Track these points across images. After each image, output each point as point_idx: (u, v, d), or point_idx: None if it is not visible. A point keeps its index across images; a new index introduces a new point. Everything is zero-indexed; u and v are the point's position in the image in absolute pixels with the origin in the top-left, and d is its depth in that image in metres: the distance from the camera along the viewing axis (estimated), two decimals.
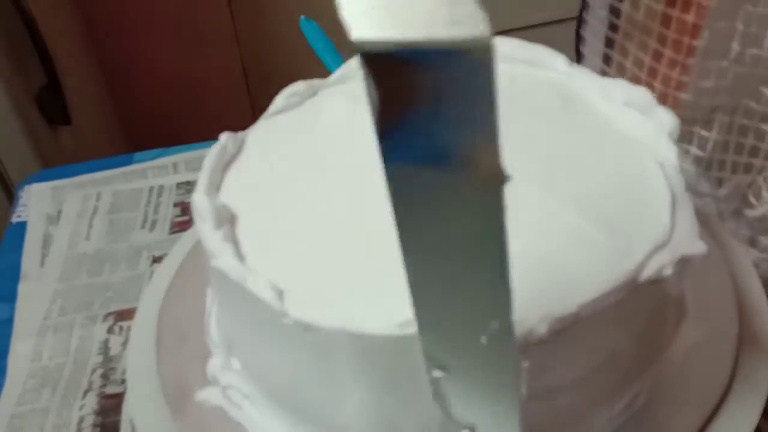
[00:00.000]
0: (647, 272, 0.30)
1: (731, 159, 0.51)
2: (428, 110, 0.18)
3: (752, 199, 0.50)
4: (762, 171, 0.50)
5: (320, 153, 0.38)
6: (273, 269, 0.32)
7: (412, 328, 0.25)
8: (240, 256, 0.33)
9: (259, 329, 0.33)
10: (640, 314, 0.31)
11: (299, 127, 0.40)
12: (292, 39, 0.60)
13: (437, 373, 0.25)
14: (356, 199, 0.35)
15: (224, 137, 0.39)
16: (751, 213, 0.49)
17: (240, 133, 0.40)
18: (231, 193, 0.37)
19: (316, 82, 0.43)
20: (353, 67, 0.43)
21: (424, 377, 0.26)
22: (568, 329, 0.28)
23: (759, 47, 0.46)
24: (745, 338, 0.36)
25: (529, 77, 0.41)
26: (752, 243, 0.50)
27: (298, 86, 0.42)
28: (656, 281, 0.30)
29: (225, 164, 0.39)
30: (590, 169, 0.35)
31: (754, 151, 0.50)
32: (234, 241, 0.34)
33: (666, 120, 0.36)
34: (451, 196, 0.20)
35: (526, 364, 0.28)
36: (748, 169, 0.51)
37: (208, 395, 0.36)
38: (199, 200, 0.35)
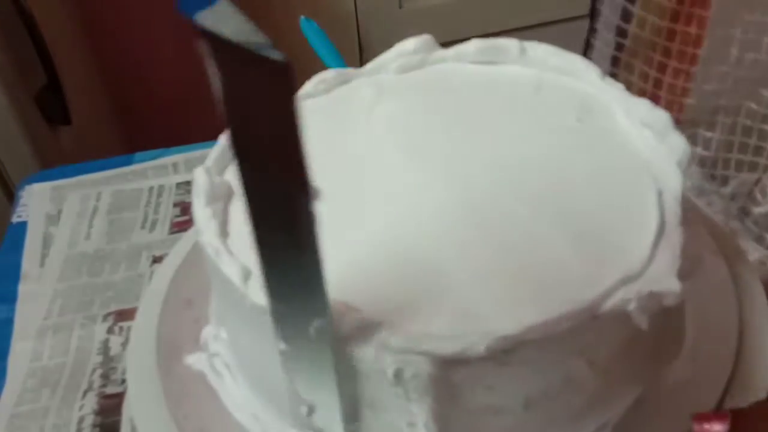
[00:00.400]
0: (609, 304, 0.28)
1: (735, 158, 0.53)
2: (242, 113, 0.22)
3: (759, 196, 0.51)
4: (767, 170, 0.50)
5: (336, 140, 0.39)
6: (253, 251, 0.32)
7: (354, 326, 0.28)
8: (224, 233, 0.34)
9: (230, 306, 0.34)
10: (603, 345, 0.30)
11: (322, 113, 0.41)
12: (291, 39, 0.60)
13: (282, 346, 0.28)
14: (359, 191, 0.35)
15: None
16: (758, 210, 0.50)
17: None
18: None
19: (349, 70, 0.43)
20: (386, 58, 0.43)
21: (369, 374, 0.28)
22: (514, 350, 0.27)
23: (757, 51, 0.48)
24: (735, 383, 0.35)
25: (555, 85, 0.40)
26: (759, 240, 0.51)
27: (328, 74, 0.43)
28: (619, 314, 0.28)
29: None
30: (585, 188, 0.34)
31: (758, 151, 0.51)
32: (223, 219, 0.35)
33: (678, 146, 0.35)
34: (271, 203, 0.24)
35: (459, 378, 0.28)
36: (753, 167, 0.52)
37: (194, 360, 0.37)
38: (197, 175, 0.36)
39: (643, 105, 0.37)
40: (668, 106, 0.53)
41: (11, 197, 0.78)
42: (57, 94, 0.99)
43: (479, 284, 0.30)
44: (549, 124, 0.38)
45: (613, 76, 0.57)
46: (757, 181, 0.51)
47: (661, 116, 0.36)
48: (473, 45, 0.43)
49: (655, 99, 0.52)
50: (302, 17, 0.56)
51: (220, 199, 0.36)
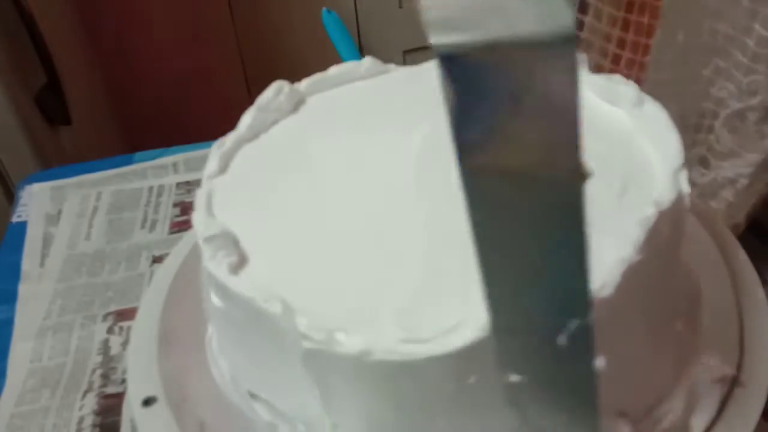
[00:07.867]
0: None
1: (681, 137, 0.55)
2: (506, 111, 0.18)
3: (702, 170, 0.54)
4: (705, 143, 0.54)
5: (365, 131, 0.39)
6: (247, 238, 0.33)
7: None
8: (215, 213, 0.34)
9: (215, 292, 0.34)
10: None
11: (360, 98, 0.42)
12: (291, 37, 0.60)
13: (514, 378, 0.24)
14: (374, 192, 0.35)
15: (276, 85, 0.41)
16: (701, 180, 0.53)
17: (297, 84, 0.42)
18: (266, 145, 0.39)
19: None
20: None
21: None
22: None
23: (698, 36, 0.50)
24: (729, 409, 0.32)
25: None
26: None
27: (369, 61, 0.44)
28: None
29: (273, 120, 0.41)
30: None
31: (698, 127, 0.54)
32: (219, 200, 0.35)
33: (673, 153, 0.34)
34: (529, 195, 0.20)
35: None
36: (695, 144, 0.55)
37: (195, 340, 0.38)
38: (213, 149, 0.37)
39: (610, 80, 0.38)
40: None
41: (11, 197, 0.78)
42: (57, 94, 0.99)
43: (439, 293, 0.29)
44: None
45: None
46: (698, 157, 0.54)
47: (630, 89, 0.37)
48: None
49: None
50: (324, 9, 0.56)
51: (222, 171, 0.37)
